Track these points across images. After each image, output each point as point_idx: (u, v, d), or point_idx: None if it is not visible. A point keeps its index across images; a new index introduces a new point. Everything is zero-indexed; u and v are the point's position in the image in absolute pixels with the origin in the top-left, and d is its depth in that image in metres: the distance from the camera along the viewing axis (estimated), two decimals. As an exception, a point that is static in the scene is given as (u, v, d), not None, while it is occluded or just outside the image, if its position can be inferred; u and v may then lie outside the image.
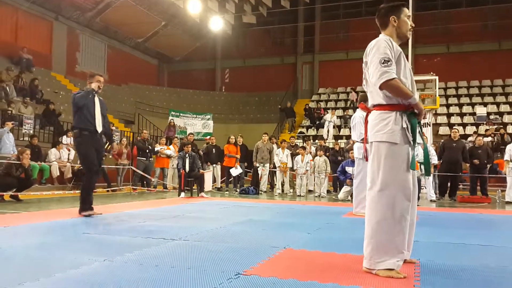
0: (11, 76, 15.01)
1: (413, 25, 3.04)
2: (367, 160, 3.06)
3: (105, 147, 6.47)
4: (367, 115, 3.04)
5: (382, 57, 2.78)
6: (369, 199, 2.86)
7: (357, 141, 6.63)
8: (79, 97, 5.68)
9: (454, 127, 11.31)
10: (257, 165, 11.98)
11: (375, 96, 2.89)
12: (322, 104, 23.02)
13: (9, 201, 7.80)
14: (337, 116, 21.21)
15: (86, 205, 5.72)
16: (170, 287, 2.41)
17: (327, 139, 17.86)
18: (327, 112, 20.61)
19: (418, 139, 2.93)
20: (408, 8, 3.06)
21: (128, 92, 22.74)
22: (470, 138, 16.59)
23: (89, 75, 6.06)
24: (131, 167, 11.98)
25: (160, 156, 12.61)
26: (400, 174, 2.78)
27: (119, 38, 23.59)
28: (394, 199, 2.75)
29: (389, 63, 2.77)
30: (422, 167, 8.38)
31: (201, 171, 10.52)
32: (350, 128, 7.12)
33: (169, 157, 12.60)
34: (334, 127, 19.87)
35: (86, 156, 5.75)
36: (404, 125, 2.82)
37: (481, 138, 11.28)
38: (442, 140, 12.36)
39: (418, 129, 2.90)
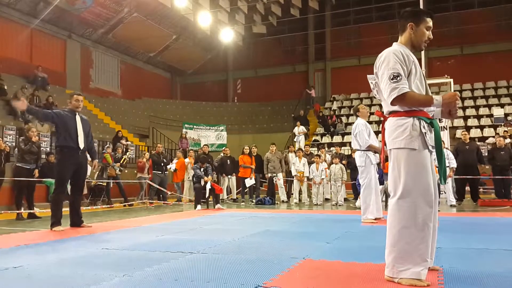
0: (26, 94, 15.26)
1: (431, 37, 2.95)
2: (384, 168, 3.02)
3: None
4: (383, 122, 3.01)
5: (392, 73, 2.74)
6: (390, 206, 2.81)
7: (358, 150, 6.62)
8: (57, 115, 5.99)
9: (463, 130, 11.08)
10: (269, 175, 11.96)
11: (389, 104, 2.86)
12: (336, 111, 22.93)
13: (28, 218, 7.88)
14: (346, 123, 21.02)
15: (53, 219, 5.84)
16: (191, 302, 2.39)
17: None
18: (339, 120, 20.44)
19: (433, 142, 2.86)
20: (432, 18, 2.93)
21: (142, 107, 22.97)
22: (488, 140, 16.33)
23: (69, 96, 6.34)
24: (147, 181, 12.05)
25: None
26: (421, 180, 2.73)
27: (132, 53, 23.90)
28: (416, 206, 2.70)
29: (398, 78, 2.72)
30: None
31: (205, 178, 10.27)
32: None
33: (175, 171, 12.75)
34: (306, 138, 19.44)
35: (60, 173, 5.96)
36: (423, 130, 2.77)
37: (501, 138, 10.97)
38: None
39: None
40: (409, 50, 2.91)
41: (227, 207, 10.57)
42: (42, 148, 12.63)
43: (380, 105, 2.67)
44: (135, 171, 12.61)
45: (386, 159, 3.14)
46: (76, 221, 6.10)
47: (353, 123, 20.86)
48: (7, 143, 11.46)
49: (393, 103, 2.76)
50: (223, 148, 14.41)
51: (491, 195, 12.28)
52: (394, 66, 2.75)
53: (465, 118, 19.62)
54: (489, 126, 18.39)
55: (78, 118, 6.14)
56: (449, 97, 2.77)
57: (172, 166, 12.67)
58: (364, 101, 23.04)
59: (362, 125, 6.57)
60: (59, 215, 5.87)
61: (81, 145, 6.02)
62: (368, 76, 3.02)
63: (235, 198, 13.12)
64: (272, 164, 11.98)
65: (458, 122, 19.25)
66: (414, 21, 2.92)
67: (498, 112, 18.66)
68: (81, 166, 6.10)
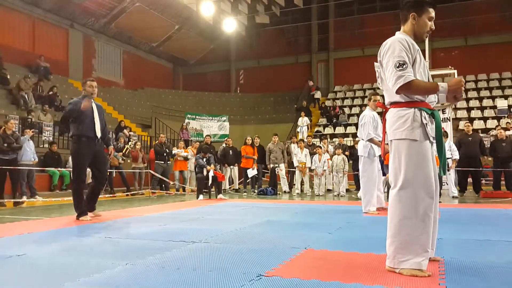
0: (29, 84, 15.27)
1: (433, 28, 2.94)
2: (384, 159, 3.02)
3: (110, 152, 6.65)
4: (384, 113, 3.00)
5: (397, 60, 2.72)
6: (391, 197, 2.82)
7: (363, 139, 6.53)
8: (75, 104, 5.78)
9: (466, 122, 11.02)
10: (271, 165, 11.98)
11: (392, 94, 2.84)
12: (339, 102, 22.90)
13: (32, 207, 7.93)
14: (348, 114, 20.98)
15: (78, 210, 5.78)
16: (193, 290, 2.41)
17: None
18: (341, 111, 20.42)
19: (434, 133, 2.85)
20: (434, 8, 2.92)
21: (144, 97, 22.96)
22: (492, 132, 16.27)
23: (82, 82, 6.19)
24: (150, 170, 12.06)
25: (178, 159, 12.66)
26: (422, 171, 2.73)
27: (134, 43, 23.84)
28: (416, 197, 2.70)
29: (404, 66, 2.70)
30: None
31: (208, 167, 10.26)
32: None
33: (186, 159, 12.64)
34: (308, 128, 19.50)
35: (78, 164, 5.84)
36: (424, 121, 2.77)
37: (502, 130, 10.93)
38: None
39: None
40: (412, 40, 2.89)
41: (229, 197, 10.60)
42: (45, 138, 12.71)
43: (383, 96, 2.64)
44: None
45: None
46: (91, 208, 6.04)
47: (356, 114, 21.00)
48: (10, 132, 11.48)
49: (398, 91, 2.74)
50: (226, 139, 14.42)
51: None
52: (399, 54, 2.73)
53: (469, 109, 19.55)
54: (493, 118, 18.33)
55: (94, 105, 5.96)
56: (455, 83, 2.77)
57: (188, 154, 12.61)
58: (367, 92, 22.96)
59: (369, 117, 6.42)
60: (83, 205, 5.81)
61: (98, 133, 5.92)
62: (375, 64, 3.00)
63: (237, 188, 13.16)
64: (274, 154, 12.00)
65: (461, 114, 19.19)
66: (417, 11, 2.89)
67: (501, 103, 18.59)
68: (98, 154, 5.97)
